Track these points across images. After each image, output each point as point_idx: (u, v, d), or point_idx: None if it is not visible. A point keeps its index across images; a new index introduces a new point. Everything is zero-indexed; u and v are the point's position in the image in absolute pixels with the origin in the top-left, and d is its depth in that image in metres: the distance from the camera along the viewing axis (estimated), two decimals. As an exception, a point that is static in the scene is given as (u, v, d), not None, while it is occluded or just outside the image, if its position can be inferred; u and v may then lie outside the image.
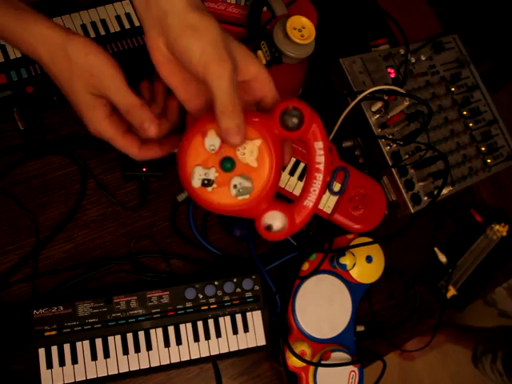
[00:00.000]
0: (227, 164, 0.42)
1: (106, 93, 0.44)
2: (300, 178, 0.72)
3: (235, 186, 0.43)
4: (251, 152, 0.42)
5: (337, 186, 0.71)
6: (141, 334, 0.64)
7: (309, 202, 0.45)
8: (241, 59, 0.43)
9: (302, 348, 0.67)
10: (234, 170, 0.43)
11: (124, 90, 0.44)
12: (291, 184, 0.72)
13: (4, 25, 0.44)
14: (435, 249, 0.83)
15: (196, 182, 0.42)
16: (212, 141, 0.42)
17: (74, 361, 0.61)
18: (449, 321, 0.84)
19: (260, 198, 0.43)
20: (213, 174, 0.43)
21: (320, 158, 0.44)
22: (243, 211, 0.44)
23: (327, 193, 0.72)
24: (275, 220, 0.44)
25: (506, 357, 1.39)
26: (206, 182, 0.42)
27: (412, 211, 0.74)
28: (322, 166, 0.44)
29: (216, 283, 0.66)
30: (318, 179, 0.44)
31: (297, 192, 0.72)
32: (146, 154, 0.48)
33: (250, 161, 0.43)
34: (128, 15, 0.74)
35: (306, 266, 0.70)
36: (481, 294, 0.84)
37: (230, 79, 0.39)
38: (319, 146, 0.44)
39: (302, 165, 0.73)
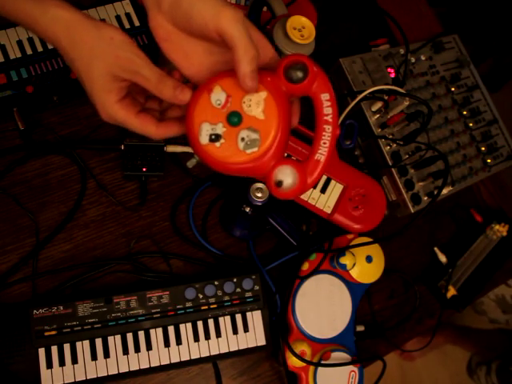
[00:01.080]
0: (234, 118, 0.42)
1: (137, 70, 0.43)
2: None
3: (243, 139, 0.42)
4: (257, 104, 0.42)
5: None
6: (141, 334, 0.64)
7: (320, 156, 0.43)
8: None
9: (302, 348, 0.67)
10: (240, 123, 0.42)
11: (152, 65, 0.44)
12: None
13: (22, 9, 0.43)
14: (435, 249, 0.83)
15: (204, 139, 0.42)
16: (218, 96, 0.43)
17: (74, 361, 0.61)
18: (448, 321, 0.84)
19: (269, 151, 0.42)
20: (220, 128, 0.42)
21: (328, 110, 0.43)
22: (252, 168, 0.43)
23: (327, 193, 0.72)
24: (286, 176, 0.43)
25: (500, 369, 1.40)
26: (213, 137, 0.42)
27: (412, 211, 0.74)
28: (330, 118, 0.43)
29: (216, 283, 0.66)
30: (328, 131, 0.43)
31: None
32: (164, 131, 0.48)
33: (256, 113, 0.42)
34: (128, 15, 0.74)
35: (306, 266, 0.70)
36: (481, 294, 0.84)
37: (245, 23, 0.40)
38: (326, 97, 0.44)
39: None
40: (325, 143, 0.43)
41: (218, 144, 0.42)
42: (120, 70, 0.44)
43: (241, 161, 0.42)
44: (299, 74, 0.42)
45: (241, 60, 0.40)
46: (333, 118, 0.43)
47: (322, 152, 0.43)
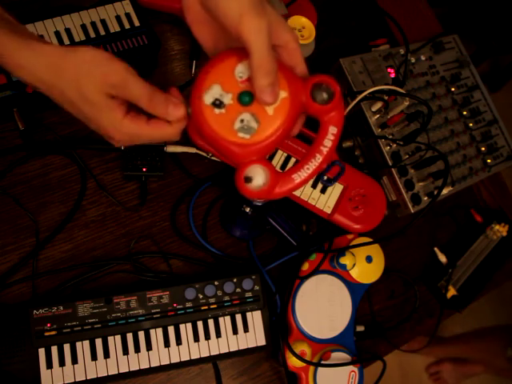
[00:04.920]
0: (246, 97, 0.42)
1: (126, 86, 0.42)
2: (300, 178, 0.72)
3: (242, 121, 0.42)
4: None
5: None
6: (141, 334, 0.64)
7: (297, 177, 0.44)
8: (274, 22, 0.41)
9: (302, 348, 0.67)
10: (248, 106, 0.42)
11: (141, 81, 0.42)
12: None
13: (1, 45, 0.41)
14: (435, 249, 0.83)
15: (208, 99, 0.42)
16: (243, 69, 0.42)
17: (74, 361, 0.61)
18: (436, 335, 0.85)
19: (257, 145, 0.42)
20: (228, 99, 0.42)
21: (328, 142, 0.44)
22: (232, 152, 0.43)
23: (327, 193, 0.72)
24: (257, 175, 0.43)
25: None
26: (217, 102, 0.42)
27: (412, 211, 0.74)
28: (325, 150, 0.44)
29: (216, 283, 0.66)
30: (317, 160, 0.44)
31: (297, 192, 0.72)
32: (180, 125, 0.46)
33: (268, 107, 0.42)
34: (128, 15, 0.74)
35: (306, 266, 0.70)
36: (481, 294, 0.84)
37: (266, 34, 0.39)
38: (333, 131, 0.44)
39: (301, 165, 0.73)
40: (308, 169, 0.44)
41: (217, 111, 0.42)
42: (110, 87, 0.42)
43: (227, 139, 0.42)
44: (325, 97, 0.43)
45: (255, 72, 0.39)
46: (327, 152, 0.44)
47: (301, 175, 0.44)
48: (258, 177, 0.43)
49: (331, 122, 0.44)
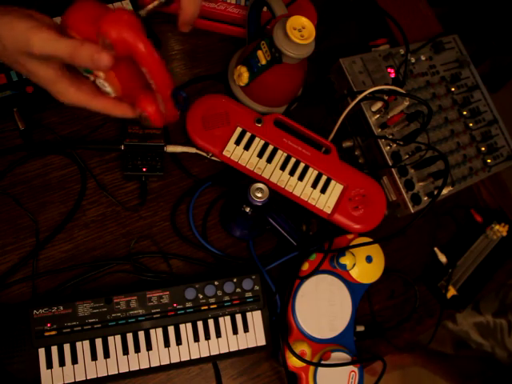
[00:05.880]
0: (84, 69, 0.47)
1: (42, 54, 0.43)
2: (300, 178, 0.72)
3: (99, 87, 0.49)
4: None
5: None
6: (141, 334, 0.64)
7: (162, 109, 0.49)
8: None
9: (302, 348, 0.67)
10: (92, 74, 0.47)
11: (56, 41, 0.43)
12: (291, 184, 0.72)
13: None
14: (435, 249, 0.83)
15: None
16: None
17: (74, 361, 0.61)
18: (420, 343, 0.84)
19: (123, 96, 0.49)
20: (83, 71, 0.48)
21: (150, 80, 0.46)
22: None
23: (327, 193, 0.72)
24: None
25: None
26: (85, 76, 0.49)
27: (412, 211, 0.74)
28: (155, 87, 0.47)
29: (216, 283, 0.66)
30: (158, 97, 0.48)
31: (297, 192, 0.72)
32: (121, 110, 0.51)
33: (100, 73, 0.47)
34: (128, 15, 0.74)
35: (306, 266, 0.70)
36: (481, 294, 0.84)
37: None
38: (144, 70, 0.45)
39: (302, 165, 0.73)
40: (160, 102, 0.49)
41: (91, 79, 0.49)
42: (24, 53, 0.44)
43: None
44: (107, 42, 0.43)
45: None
46: (157, 88, 0.46)
47: (162, 107, 0.49)
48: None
49: (138, 63, 0.44)
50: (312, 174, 0.73)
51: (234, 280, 0.67)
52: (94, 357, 0.62)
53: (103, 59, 0.43)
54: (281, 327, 0.68)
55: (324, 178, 0.73)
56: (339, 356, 0.68)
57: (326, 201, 0.72)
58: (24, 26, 0.43)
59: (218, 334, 0.66)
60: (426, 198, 0.76)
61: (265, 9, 0.76)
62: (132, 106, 0.51)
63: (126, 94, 0.49)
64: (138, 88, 0.49)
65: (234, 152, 0.71)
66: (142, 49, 0.42)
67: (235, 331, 0.67)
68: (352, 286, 0.72)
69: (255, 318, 0.68)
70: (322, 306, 0.70)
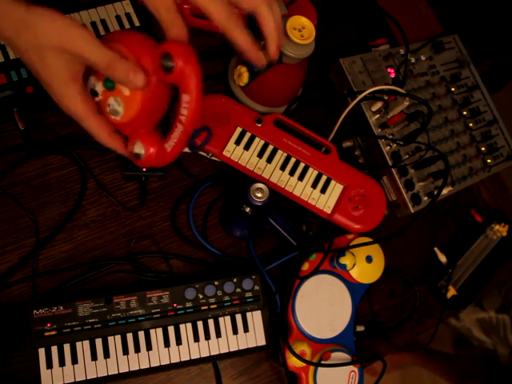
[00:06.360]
0: (108, 83, 0.46)
1: (80, 52, 0.43)
2: (300, 178, 0.72)
3: (109, 105, 0.48)
4: None
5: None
6: (141, 334, 0.64)
7: (168, 147, 0.49)
8: None
9: (302, 348, 0.67)
10: (113, 90, 0.47)
11: (99, 46, 0.44)
12: (291, 184, 0.72)
13: None
14: (435, 249, 0.83)
15: (88, 88, 0.48)
16: None
17: (74, 361, 0.61)
18: (420, 343, 0.83)
19: (128, 124, 0.48)
20: (100, 87, 0.47)
21: (184, 111, 0.46)
22: (117, 126, 0.49)
23: (327, 193, 0.72)
24: (139, 147, 0.49)
25: None
26: (92, 91, 0.48)
27: (412, 211, 0.74)
28: (183, 119, 0.46)
29: (216, 283, 0.66)
30: (179, 129, 0.47)
31: (297, 192, 0.72)
32: (113, 141, 0.50)
33: (122, 88, 0.46)
34: (128, 15, 0.74)
35: (306, 266, 0.70)
36: (481, 294, 0.84)
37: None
38: (186, 99, 0.45)
39: (302, 165, 0.73)
40: (174, 138, 0.48)
41: (96, 99, 0.48)
42: (66, 53, 0.43)
43: (108, 120, 0.48)
44: (170, 65, 0.44)
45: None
46: (186, 120, 0.46)
47: (170, 144, 0.49)
48: (140, 148, 0.48)
49: (183, 90, 0.45)
50: (312, 174, 0.73)
51: (234, 280, 0.67)
52: (94, 357, 0.62)
53: (139, 79, 0.45)
54: (281, 327, 0.68)
55: (324, 178, 0.73)
56: (339, 356, 0.68)
57: (326, 201, 0.72)
58: (69, 22, 0.43)
59: (218, 334, 0.66)
60: (425, 198, 0.76)
61: (265, 9, 0.75)
62: (124, 142, 0.50)
63: (135, 123, 0.48)
64: (150, 123, 0.49)
65: (233, 152, 0.71)
66: (197, 83, 0.45)
67: (235, 331, 0.67)
68: (352, 285, 0.72)
69: (255, 318, 0.68)
70: (322, 306, 0.70)
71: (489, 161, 0.85)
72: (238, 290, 0.67)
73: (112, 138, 0.50)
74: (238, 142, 0.72)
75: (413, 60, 0.84)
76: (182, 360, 0.64)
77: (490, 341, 1.42)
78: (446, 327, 1.50)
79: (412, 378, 1.69)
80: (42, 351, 0.61)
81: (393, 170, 0.75)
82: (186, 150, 0.65)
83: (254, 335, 0.67)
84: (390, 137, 0.76)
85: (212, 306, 0.66)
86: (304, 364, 0.66)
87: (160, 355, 0.64)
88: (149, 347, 0.64)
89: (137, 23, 0.74)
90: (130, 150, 0.49)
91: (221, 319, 0.67)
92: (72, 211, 0.68)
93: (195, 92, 0.45)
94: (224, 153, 0.71)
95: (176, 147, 0.49)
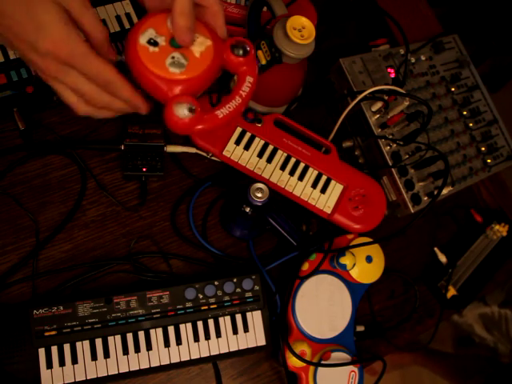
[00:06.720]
0: (174, 42, 0.47)
1: (79, 20, 0.43)
2: (300, 178, 0.72)
3: (173, 58, 0.47)
4: (200, 44, 0.48)
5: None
6: (141, 334, 0.64)
7: (220, 113, 0.50)
8: None
9: (302, 348, 0.67)
10: (178, 49, 0.47)
11: (99, 22, 0.45)
12: (291, 184, 0.72)
13: None
14: (435, 249, 0.83)
15: (143, 39, 0.47)
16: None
17: (74, 361, 0.61)
18: (420, 343, 0.83)
19: (185, 82, 0.48)
20: (161, 40, 0.47)
21: (246, 88, 0.51)
22: (160, 86, 0.47)
23: (327, 193, 0.72)
24: (184, 109, 0.47)
25: None
26: (152, 41, 0.47)
27: (412, 211, 0.74)
28: (244, 94, 0.51)
29: (216, 283, 0.66)
30: (237, 101, 0.50)
31: (297, 192, 0.72)
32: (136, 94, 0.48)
33: (195, 50, 0.48)
34: (128, 15, 0.74)
35: (306, 266, 0.70)
36: (481, 294, 0.84)
37: None
38: (250, 79, 0.52)
39: (302, 164, 0.73)
40: (229, 107, 0.50)
41: (151, 49, 0.47)
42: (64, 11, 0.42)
43: (159, 74, 0.46)
44: (241, 52, 0.51)
45: (174, 14, 0.45)
46: (246, 96, 0.51)
47: (224, 111, 0.50)
48: (184, 110, 0.47)
49: (248, 72, 0.51)
50: (312, 174, 0.73)
51: (234, 280, 0.67)
52: (94, 357, 0.62)
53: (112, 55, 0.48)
54: (281, 327, 0.68)
55: (324, 177, 0.73)
56: (339, 356, 0.68)
57: (325, 201, 0.72)
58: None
59: (218, 334, 0.66)
60: (425, 198, 0.76)
61: (265, 9, 0.75)
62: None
63: (191, 83, 0.48)
64: (199, 90, 0.50)
65: (233, 152, 0.71)
66: (256, 70, 0.53)
67: (235, 331, 0.67)
68: (352, 286, 0.72)
69: (255, 318, 0.68)
70: (322, 306, 0.70)
71: (489, 161, 0.85)
72: (238, 289, 0.67)
73: (141, 100, 0.49)
74: (238, 142, 0.72)
75: (413, 60, 0.84)
76: (182, 360, 0.64)
77: (492, 338, 1.42)
78: (448, 324, 1.50)
79: (412, 378, 1.69)
80: (42, 351, 0.61)
81: (393, 169, 0.75)
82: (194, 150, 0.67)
83: (254, 335, 0.67)
84: (390, 137, 0.76)
85: (212, 306, 0.66)
86: (304, 364, 0.66)
87: (160, 355, 0.64)
88: (149, 347, 0.64)
89: (137, 23, 0.73)
90: (171, 107, 0.47)
91: (221, 319, 0.67)
92: (72, 211, 0.68)
93: (256, 76, 0.52)
94: (224, 153, 0.71)
95: (227, 115, 0.50)
